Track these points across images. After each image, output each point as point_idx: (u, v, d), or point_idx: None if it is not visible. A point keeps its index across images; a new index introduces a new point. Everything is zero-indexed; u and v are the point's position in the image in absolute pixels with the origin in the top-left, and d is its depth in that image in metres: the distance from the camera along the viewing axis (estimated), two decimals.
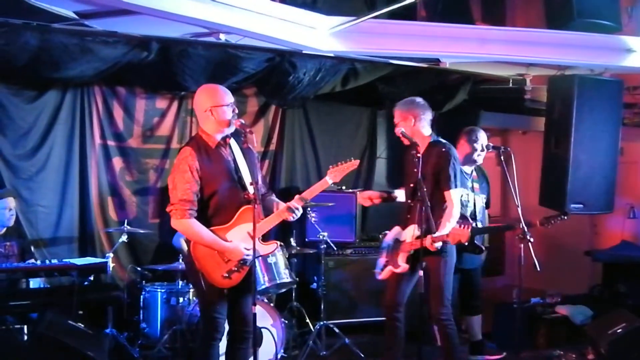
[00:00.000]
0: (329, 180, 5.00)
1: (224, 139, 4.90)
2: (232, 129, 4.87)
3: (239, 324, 4.95)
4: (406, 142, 5.51)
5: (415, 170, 5.29)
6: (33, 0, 5.48)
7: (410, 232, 5.52)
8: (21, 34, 5.45)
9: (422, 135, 5.60)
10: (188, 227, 4.70)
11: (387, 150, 8.47)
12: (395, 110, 5.71)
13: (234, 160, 4.90)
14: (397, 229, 5.78)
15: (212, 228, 4.76)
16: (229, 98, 4.84)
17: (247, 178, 4.86)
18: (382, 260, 5.75)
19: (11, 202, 6.18)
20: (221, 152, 4.87)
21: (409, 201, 5.65)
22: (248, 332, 4.90)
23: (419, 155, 5.26)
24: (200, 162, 4.73)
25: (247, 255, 4.74)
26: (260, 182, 4.93)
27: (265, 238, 5.02)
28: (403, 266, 5.54)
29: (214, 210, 4.80)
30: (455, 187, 5.49)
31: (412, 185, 5.53)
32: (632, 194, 9.27)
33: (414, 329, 5.65)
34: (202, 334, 4.96)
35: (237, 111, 4.87)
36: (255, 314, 4.64)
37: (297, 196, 4.94)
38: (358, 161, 5.07)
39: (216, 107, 4.78)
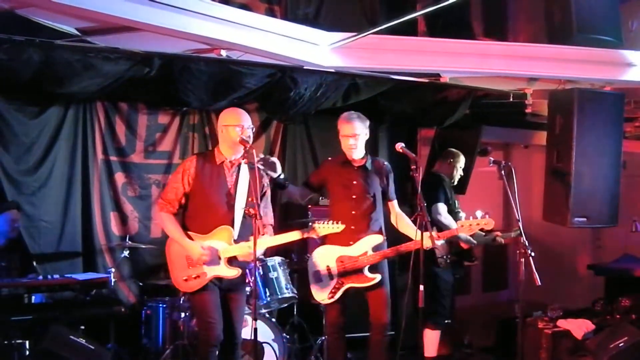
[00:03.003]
0: (310, 234, 5.22)
1: (234, 159, 5.16)
2: (240, 150, 5.14)
3: (228, 336, 5.13)
4: (411, 156, 5.48)
5: (356, 182, 5.66)
6: (36, 18, 5.53)
7: (367, 244, 5.57)
8: (24, 50, 5.48)
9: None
10: (164, 219, 5.19)
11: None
12: (354, 121, 5.78)
13: (236, 182, 5.13)
14: (326, 248, 5.67)
15: (188, 232, 5.09)
16: (240, 120, 5.12)
17: (240, 202, 5.11)
18: (331, 284, 5.61)
19: (15, 214, 6.22)
20: (223, 170, 5.14)
21: (353, 212, 5.63)
22: (236, 344, 5.18)
23: (416, 172, 5.32)
24: (197, 171, 5.09)
25: (205, 258, 5.01)
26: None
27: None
28: (376, 276, 5.55)
29: (194, 218, 5.14)
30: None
31: (354, 197, 5.65)
32: (635, 207, 9.27)
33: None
34: (200, 340, 5.16)
35: (246, 134, 5.09)
36: (256, 329, 4.77)
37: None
38: (344, 226, 5.23)
39: (226, 127, 5.13)
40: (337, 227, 5.18)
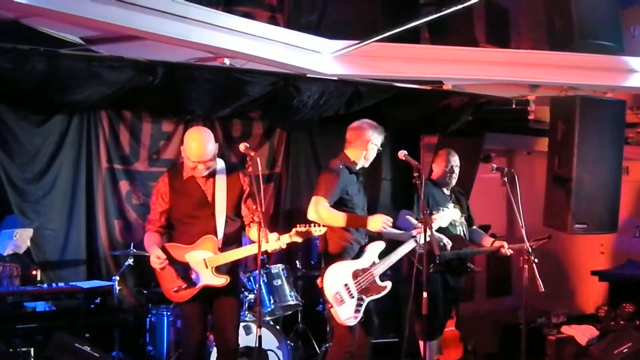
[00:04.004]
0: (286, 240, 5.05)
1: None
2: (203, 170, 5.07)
3: (222, 342, 5.17)
4: (413, 163, 5.40)
5: (360, 192, 5.63)
6: (40, 27, 5.56)
7: (373, 253, 5.50)
8: (28, 59, 5.50)
9: None
10: (144, 238, 5.22)
11: (391, 172, 8.48)
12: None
13: (213, 190, 5.10)
14: (338, 265, 5.41)
15: (174, 243, 5.11)
16: (200, 157, 4.99)
17: (220, 209, 5.07)
18: (353, 302, 5.36)
19: (29, 232, 6.28)
20: (196, 180, 5.11)
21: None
22: (233, 350, 5.17)
23: (418, 179, 5.30)
24: (169, 188, 5.12)
25: (158, 265, 5.02)
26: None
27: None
28: (387, 284, 5.46)
29: (179, 231, 5.16)
30: None
31: (363, 207, 5.63)
32: (638, 213, 9.27)
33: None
34: (182, 346, 5.38)
35: (202, 173, 5.06)
36: (260, 336, 4.79)
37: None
38: (326, 228, 5.14)
39: (186, 155, 5.07)
40: (320, 230, 5.10)
